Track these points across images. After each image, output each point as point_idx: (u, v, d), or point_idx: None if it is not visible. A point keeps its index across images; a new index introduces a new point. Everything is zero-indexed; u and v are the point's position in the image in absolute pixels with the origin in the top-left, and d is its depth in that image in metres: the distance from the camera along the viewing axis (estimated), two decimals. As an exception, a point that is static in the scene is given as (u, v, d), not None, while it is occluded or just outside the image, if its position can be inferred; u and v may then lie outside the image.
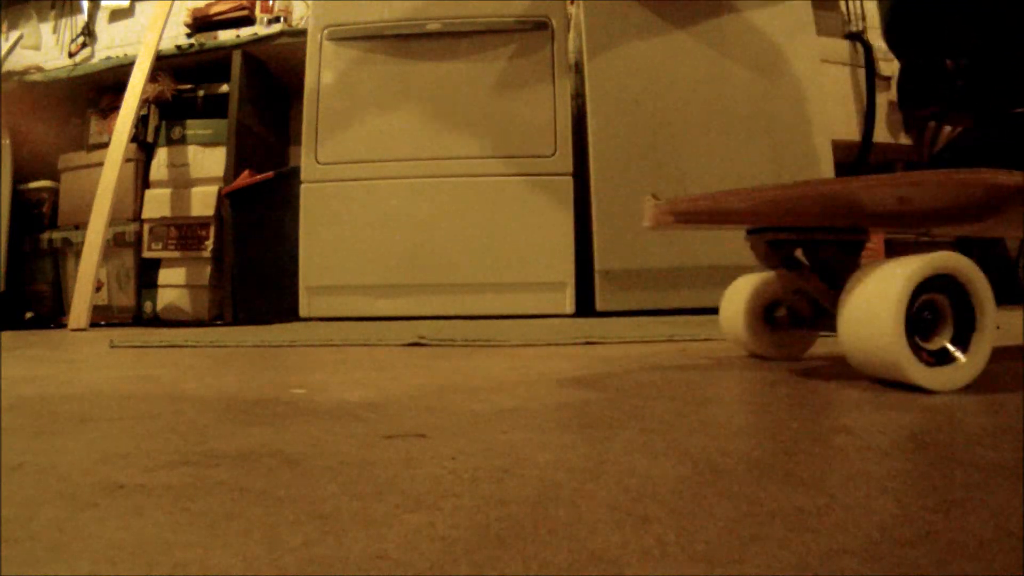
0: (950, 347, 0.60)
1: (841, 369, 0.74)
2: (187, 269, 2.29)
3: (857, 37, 2.18)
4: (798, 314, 0.82)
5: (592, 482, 0.33)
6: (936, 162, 0.75)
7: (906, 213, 0.69)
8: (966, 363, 0.59)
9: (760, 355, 0.86)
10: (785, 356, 0.85)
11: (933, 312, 0.61)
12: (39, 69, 2.67)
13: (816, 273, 0.72)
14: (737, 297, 0.86)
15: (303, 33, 2.11)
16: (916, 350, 0.58)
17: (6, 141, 2.37)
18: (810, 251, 0.73)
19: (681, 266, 1.81)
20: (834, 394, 0.60)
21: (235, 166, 2.26)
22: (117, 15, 2.93)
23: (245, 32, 2.42)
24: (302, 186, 1.96)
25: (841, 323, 0.63)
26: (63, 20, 2.98)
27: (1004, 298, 2.23)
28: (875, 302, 0.59)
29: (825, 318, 0.72)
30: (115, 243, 2.30)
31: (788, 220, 0.71)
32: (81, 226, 2.24)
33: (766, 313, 0.85)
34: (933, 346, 0.60)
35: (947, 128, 0.78)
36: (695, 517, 0.28)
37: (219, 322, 2.24)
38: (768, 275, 0.84)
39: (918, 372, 0.57)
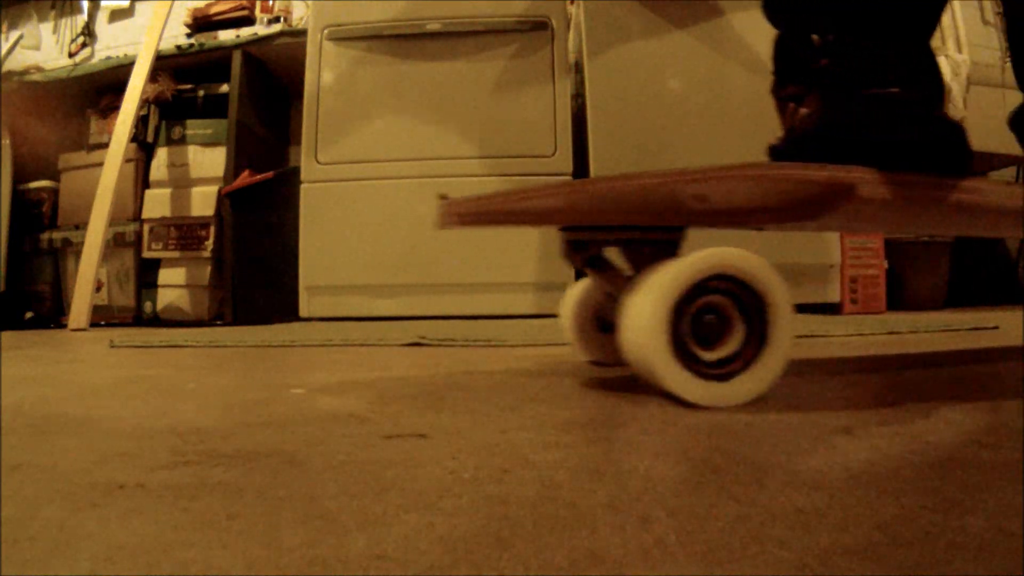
0: (733, 358, 0.54)
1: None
2: (187, 269, 2.29)
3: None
4: (602, 313, 0.77)
5: (592, 482, 0.33)
6: (776, 150, 0.68)
7: (709, 211, 0.62)
8: (749, 376, 0.53)
9: (597, 362, 0.80)
10: (617, 361, 0.78)
11: (720, 318, 0.55)
12: (39, 69, 2.67)
13: (628, 275, 0.65)
14: (569, 302, 0.81)
15: (303, 33, 2.11)
16: (689, 360, 0.52)
17: (6, 141, 2.37)
18: (623, 251, 0.67)
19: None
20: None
21: (235, 166, 2.26)
22: (117, 15, 2.93)
23: (245, 32, 2.42)
24: (302, 186, 1.96)
25: (620, 328, 0.57)
26: (63, 20, 2.98)
27: (1004, 298, 2.23)
28: (643, 305, 0.53)
29: None
30: (115, 243, 2.30)
31: (586, 220, 0.64)
32: (81, 226, 2.24)
33: (598, 318, 0.80)
34: (718, 355, 0.54)
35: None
36: (695, 517, 0.28)
37: (219, 322, 2.24)
38: None
39: (684, 384, 0.51)
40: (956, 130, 0.66)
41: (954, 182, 0.64)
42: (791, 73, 0.70)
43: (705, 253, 0.52)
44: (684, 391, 0.51)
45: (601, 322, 0.80)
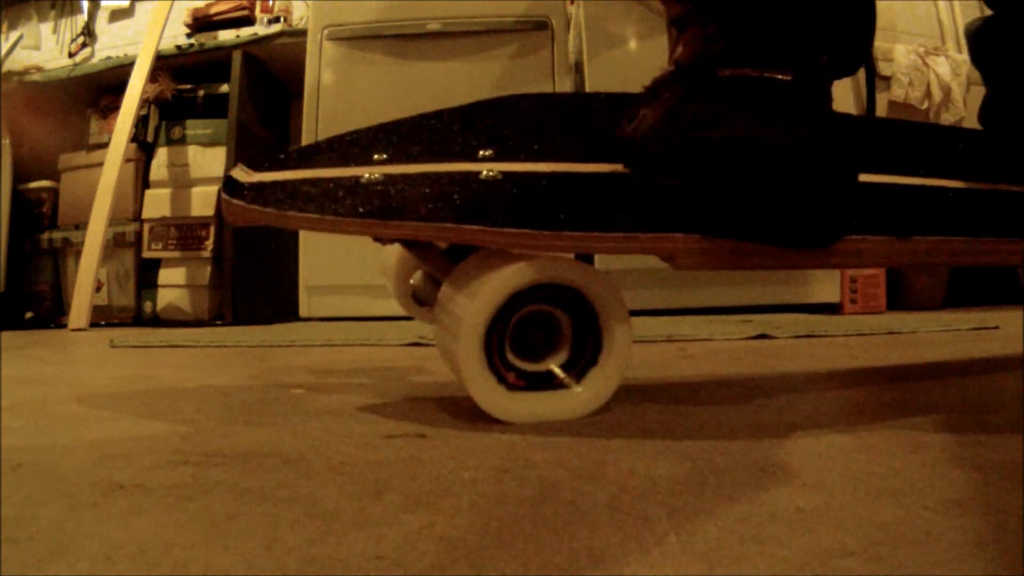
0: (558, 372, 0.49)
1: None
2: (187, 269, 2.29)
3: (857, 37, 2.17)
4: (416, 291, 0.71)
5: (592, 482, 0.33)
6: (625, 127, 0.53)
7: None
8: (571, 394, 0.48)
9: (401, 306, 0.77)
10: (422, 317, 0.75)
11: (549, 328, 0.49)
12: (39, 69, 2.66)
13: (445, 254, 0.59)
14: (390, 263, 0.75)
15: (303, 33, 2.10)
16: (502, 370, 0.47)
17: (6, 141, 2.37)
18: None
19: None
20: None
21: (235, 166, 2.26)
22: (117, 15, 2.93)
23: (245, 32, 2.42)
24: (302, 186, 1.96)
25: (436, 324, 0.53)
26: (63, 20, 2.98)
27: (1004, 298, 2.24)
28: (458, 306, 0.48)
29: None
30: (115, 243, 2.30)
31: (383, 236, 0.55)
32: (81, 226, 2.24)
33: (414, 293, 0.75)
34: (541, 367, 0.49)
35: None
36: (695, 517, 0.28)
37: (219, 322, 2.24)
38: None
39: (489, 397, 0.47)
40: (842, 183, 0.49)
41: (807, 253, 0.52)
42: None
43: (533, 262, 0.46)
44: (485, 403, 0.47)
45: (417, 298, 0.74)
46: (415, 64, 1.97)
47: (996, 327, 1.22)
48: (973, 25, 0.74)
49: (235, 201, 0.50)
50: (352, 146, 0.54)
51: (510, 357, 0.48)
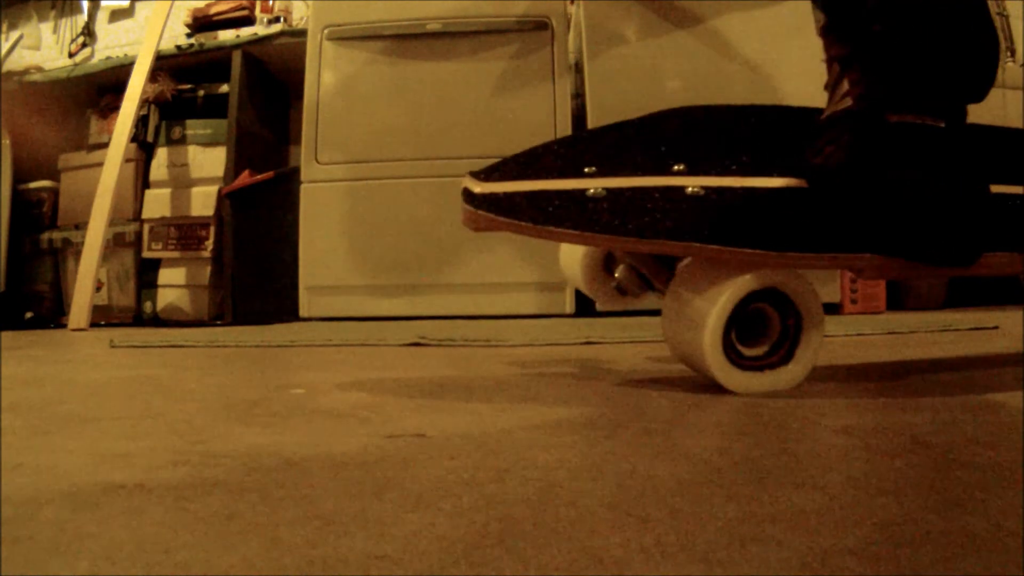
0: (766, 355, 0.61)
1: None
2: (187, 269, 2.29)
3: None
4: (622, 285, 0.78)
5: (592, 482, 0.33)
6: (808, 164, 0.63)
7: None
8: (779, 372, 0.60)
9: (593, 297, 0.83)
10: (620, 306, 0.83)
11: (760, 319, 0.61)
12: (39, 69, 2.67)
13: (654, 257, 0.69)
14: (575, 254, 0.83)
15: (303, 33, 2.10)
16: (733, 354, 0.59)
17: (6, 141, 2.37)
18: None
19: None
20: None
21: (235, 166, 2.26)
22: (117, 15, 2.93)
23: (245, 32, 2.42)
24: (302, 186, 1.96)
25: (663, 312, 0.64)
26: (63, 20, 2.98)
27: (1004, 298, 2.23)
28: (698, 306, 0.59)
29: (651, 293, 0.73)
30: (115, 243, 2.30)
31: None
32: (81, 226, 2.24)
33: (606, 263, 0.81)
34: (755, 351, 0.61)
35: None
36: (695, 517, 0.28)
37: (219, 322, 2.24)
38: None
39: (727, 374, 0.59)
40: (975, 214, 0.62)
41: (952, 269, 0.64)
42: (839, 21, 0.61)
43: (758, 272, 0.58)
44: (724, 380, 0.59)
45: (621, 290, 0.80)
46: (415, 64, 1.97)
47: (996, 327, 1.22)
48: None
49: (474, 210, 0.59)
50: (560, 157, 0.63)
51: (736, 344, 0.60)
